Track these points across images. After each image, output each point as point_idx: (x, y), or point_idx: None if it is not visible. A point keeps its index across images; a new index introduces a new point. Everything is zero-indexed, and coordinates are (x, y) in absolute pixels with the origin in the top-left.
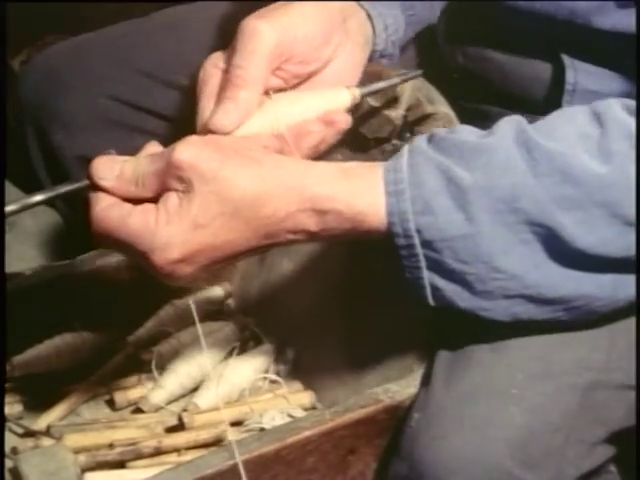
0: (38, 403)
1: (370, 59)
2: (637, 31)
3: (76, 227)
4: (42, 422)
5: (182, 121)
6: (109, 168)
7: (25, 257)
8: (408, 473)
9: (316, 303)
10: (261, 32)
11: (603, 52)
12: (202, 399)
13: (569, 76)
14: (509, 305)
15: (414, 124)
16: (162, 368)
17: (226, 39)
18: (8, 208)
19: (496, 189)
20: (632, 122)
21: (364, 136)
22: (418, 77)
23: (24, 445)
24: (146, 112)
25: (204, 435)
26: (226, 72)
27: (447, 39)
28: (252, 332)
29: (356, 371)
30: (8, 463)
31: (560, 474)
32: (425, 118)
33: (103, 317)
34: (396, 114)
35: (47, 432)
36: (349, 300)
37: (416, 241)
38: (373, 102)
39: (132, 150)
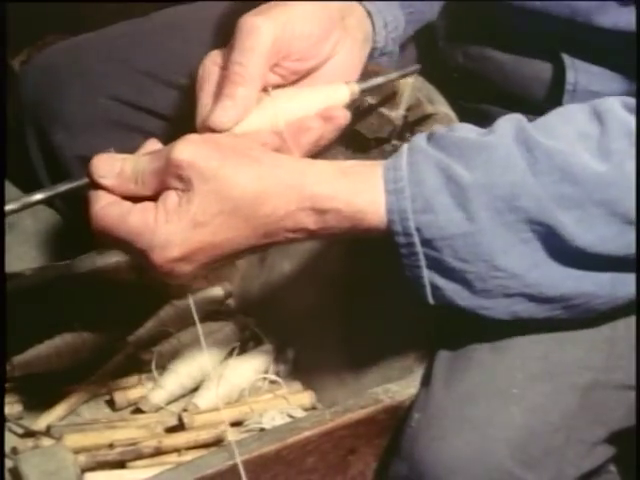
0: (38, 403)
1: (370, 57)
2: (637, 31)
3: (76, 227)
4: (42, 422)
5: (182, 121)
6: (109, 166)
7: (25, 257)
8: (408, 473)
9: (316, 303)
10: (259, 29)
11: (604, 51)
12: (202, 399)
13: (569, 76)
14: (509, 304)
15: (414, 124)
16: (162, 368)
17: (226, 39)
18: (8, 207)
19: (496, 187)
20: (632, 120)
21: (364, 136)
22: (416, 72)
23: (24, 445)
24: (146, 112)
25: (204, 435)
26: (225, 69)
27: (447, 39)
28: (252, 332)
29: (356, 371)
30: (8, 463)
31: (560, 474)
32: (425, 118)
33: (103, 317)
34: (396, 114)
35: (47, 432)
36: (349, 300)
37: (416, 239)
38: (371, 100)
39: (132, 150)
